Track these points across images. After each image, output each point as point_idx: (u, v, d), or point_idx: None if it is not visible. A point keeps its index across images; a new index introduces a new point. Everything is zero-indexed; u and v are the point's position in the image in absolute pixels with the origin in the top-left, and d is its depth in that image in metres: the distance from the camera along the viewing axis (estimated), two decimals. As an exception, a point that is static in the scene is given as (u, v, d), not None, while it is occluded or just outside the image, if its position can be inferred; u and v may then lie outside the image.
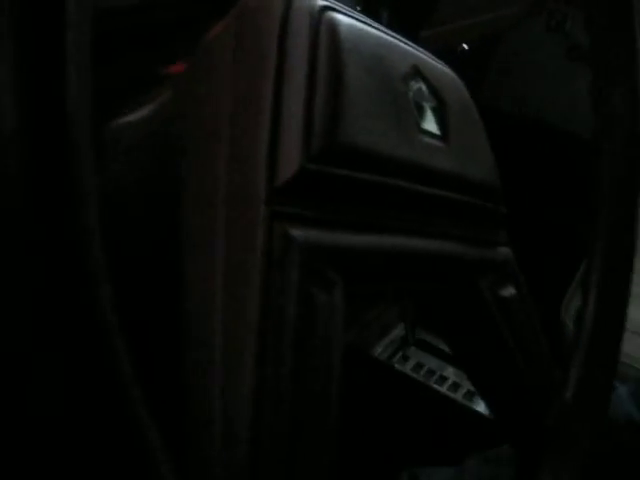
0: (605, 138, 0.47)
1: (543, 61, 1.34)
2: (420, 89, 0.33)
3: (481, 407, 0.83)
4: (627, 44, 0.44)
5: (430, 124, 0.33)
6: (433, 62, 0.36)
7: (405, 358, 0.87)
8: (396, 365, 0.85)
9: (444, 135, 0.34)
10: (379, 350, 0.90)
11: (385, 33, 0.34)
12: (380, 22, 0.80)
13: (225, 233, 0.27)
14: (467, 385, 0.86)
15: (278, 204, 0.27)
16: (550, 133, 1.33)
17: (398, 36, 0.35)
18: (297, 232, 0.27)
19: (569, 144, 1.29)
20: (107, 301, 0.18)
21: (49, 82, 0.18)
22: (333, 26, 0.30)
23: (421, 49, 0.37)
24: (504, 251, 0.40)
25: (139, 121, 0.35)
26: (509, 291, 0.39)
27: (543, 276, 1.05)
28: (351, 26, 0.31)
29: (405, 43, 0.35)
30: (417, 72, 0.33)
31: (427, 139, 0.32)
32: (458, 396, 0.84)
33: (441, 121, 0.34)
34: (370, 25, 0.33)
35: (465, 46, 1.14)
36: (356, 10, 0.80)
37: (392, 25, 0.86)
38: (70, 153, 0.18)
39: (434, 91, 0.34)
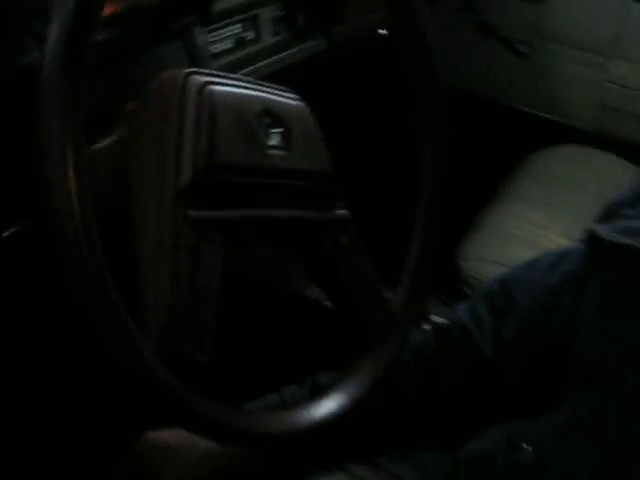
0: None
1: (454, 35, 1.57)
2: (269, 121, 0.57)
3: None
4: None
5: (276, 142, 0.57)
6: (285, 101, 0.60)
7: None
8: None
9: (287, 147, 0.58)
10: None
11: (251, 89, 0.57)
12: (298, 24, 1.03)
13: (154, 214, 0.51)
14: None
15: (180, 198, 0.51)
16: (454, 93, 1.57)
17: (261, 86, 0.59)
18: (192, 212, 0.51)
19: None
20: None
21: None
22: (211, 92, 0.54)
23: (281, 93, 0.61)
24: (341, 214, 0.64)
25: (109, 146, 0.58)
26: (344, 239, 0.63)
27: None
28: (224, 91, 0.55)
29: (265, 92, 0.59)
30: (267, 111, 0.57)
31: (273, 151, 0.56)
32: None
33: (285, 138, 0.58)
34: (239, 85, 0.57)
35: (383, 31, 1.36)
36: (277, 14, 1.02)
37: (309, 26, 1.08)
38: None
39: (280, 120, 0.58)
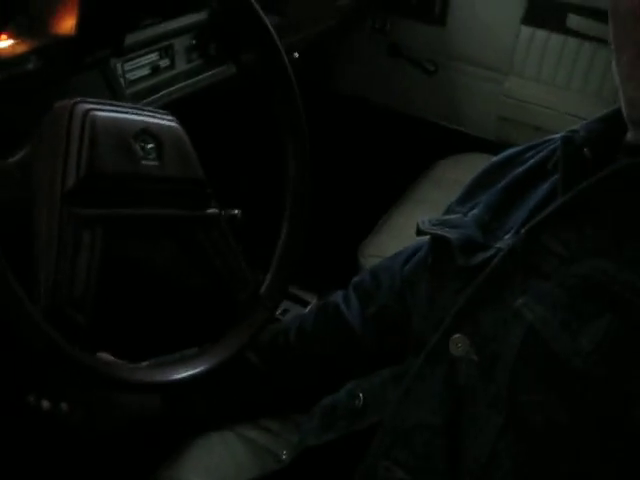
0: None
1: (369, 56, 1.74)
2: (144, 138, 0.73)
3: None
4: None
5: (150, 155, 0.73)
6: (160, 122, 0.76)
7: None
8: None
9: (159, 158, 0.74)
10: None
11: (127, 112, 0.73)
12: (209, 52, 1.20)
13: (47, 211, 0.67)
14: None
15: (66, 199, 0.67)
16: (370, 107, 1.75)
17: (142, 111, 0.75)
18: (75, 209, 0.67)
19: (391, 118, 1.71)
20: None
21: None
22: (93, 117, 0.70)
23: (156, 114, 0.77)
24: (212, 212, 0.80)
25: (21, 158, 0.74)
26: (215, 233, 0.80)
27: (347, 226, 1.47)
28: (105, 115, 0.71)
29: (143, 115, 0.75)
30: (143, 130, 0.73)
31: (147, 162, 0.73)
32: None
33: (157, 152, 0.74)
34: (121, 110, 0.73)
35: (296, 54, 1.53)
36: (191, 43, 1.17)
37: (219, 53, 1.24)
38: None
39: (154, 137, 0.74)
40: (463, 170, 1.56)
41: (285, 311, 1.26)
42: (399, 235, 1.40)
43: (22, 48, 0.91)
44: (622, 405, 0.54)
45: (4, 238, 0.63)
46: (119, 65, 1.09)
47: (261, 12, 0.88)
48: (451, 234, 0.74)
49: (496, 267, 0.65)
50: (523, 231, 0.65)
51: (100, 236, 0.68)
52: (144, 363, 0.78)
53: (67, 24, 0.96)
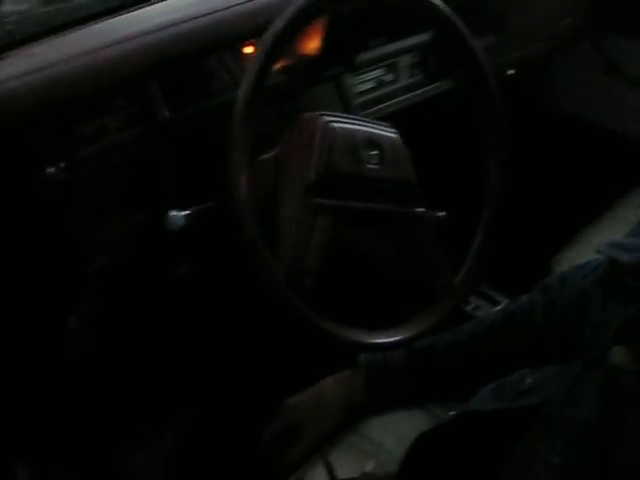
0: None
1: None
2: (369, 146, 0.92)
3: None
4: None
5: (373, 160, 0.92)
6: (383, 133, 0.95)
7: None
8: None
9: (380, 163, 0.92)
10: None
11: (358, 124, 0.93)
12: (430, 68, 1.39)
13: (290, 200, 0.88)
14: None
15: (307, 191, 0.87)
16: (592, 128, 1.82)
17: (369, 123, 0.95)
18: (314, 200, 0.87)
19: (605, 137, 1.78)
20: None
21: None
22: (332, 127, 0.90)
23: (381, 126, 0.95)
24: (420, 211, 0.97)
25: (271, 157, 0.95)
26: (420, 228, 0.97)
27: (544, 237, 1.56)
28: (341, 127, 0.91)
29: (370, 127, 0.94)
30: (369, 140, 0.92)
31: (370, 166, 0.92)
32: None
33: (380, 158, 0.93)
34: (353, 123, 0.92)
35: (511, 71, 1.65)
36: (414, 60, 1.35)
37: (438, 70, 1.40)
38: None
39: (378, 146, 0.93)
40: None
41: (476, 308, 1.41)
42: (592, 247, 1.48)
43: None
44: None
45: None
46: (349, 79, 1.29)
47: (470, 37, 1.02)
48: (623, 257, 0.83)
49: None
50: None
51: (330, 222, 0.88)
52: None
53: (313, 45, 1.18)
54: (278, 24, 0.85)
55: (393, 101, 1.36)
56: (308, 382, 1.09)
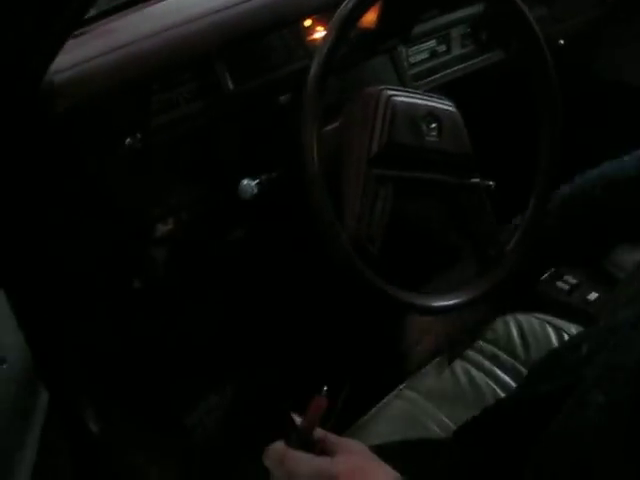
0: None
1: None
2: (429, 119, 0.97)
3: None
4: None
5: (433, 132, 0.97)
6: (442, 106, 1.00)
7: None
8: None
9: (439, 135, 0.98)
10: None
11: (418, 98, 0.98)
12: (482, 39, 1.42)
13: (354, 170, 0.94)
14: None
15: (370, 161, 0.93)
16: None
17: (428, 96, 1.00)
18: (376, 170, 0.93)
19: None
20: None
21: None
22: (394, 101, 0.96)
23: (439, 100, 1.01)
24: (475, 181, 1.03)
25: (334, 129, 1.01)
26: (475, 198, 1.02)
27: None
28: (402, 100, 0.96)
29: (429, 100, 0.99)
30: (429, 113, 0.97)
31: (430, 138, 0.97)
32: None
33: (439, 131, 0.98)
34: (414, 96, 0.98)
35: (561, 41, 1.68)
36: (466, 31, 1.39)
37: (491, 40, 1.44)
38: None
39: (437, 119, 0.98)
40: None
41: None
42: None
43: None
44: None
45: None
46: (404, 50, 1.33)
47: (525, 8, 1.06)
48: None
49: None
50: None
51: (391, 191, 0.94)
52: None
53: (370, 19, 1.22)
54: (348, 5, 0.90)
55: (446, 72, 1.40)
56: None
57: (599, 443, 0.70)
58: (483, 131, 1.17)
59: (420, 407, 1.09)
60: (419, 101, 0.99)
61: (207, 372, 1.48)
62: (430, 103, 1.00)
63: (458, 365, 1.17)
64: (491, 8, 1.40)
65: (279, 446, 0.70)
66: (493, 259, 1.03)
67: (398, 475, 0.68)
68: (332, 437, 0.71)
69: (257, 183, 1.00)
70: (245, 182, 0.99)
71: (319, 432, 0.70)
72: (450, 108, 1.02)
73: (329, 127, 1.03)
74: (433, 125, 0.98)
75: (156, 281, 1.38)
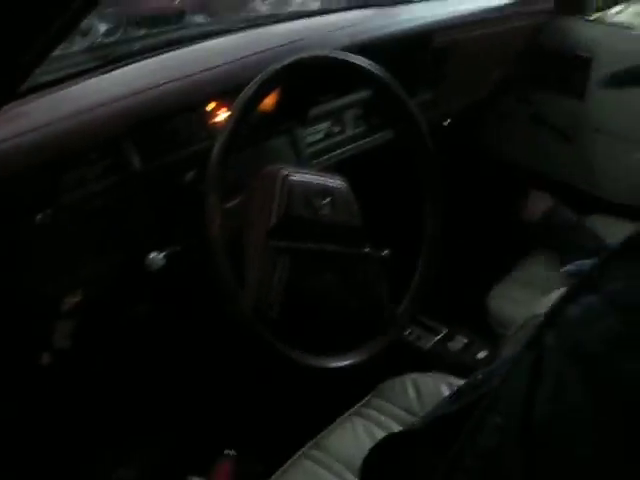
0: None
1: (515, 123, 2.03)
2: (322, 195, 1.08)
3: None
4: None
5: (326, 207, 1.08)
6: (334, 184, 1.11)
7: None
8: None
9: (332, 210, 1.08)
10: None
11: (312, 177, 1.09)
12: (372, 121, 1.56)
13: (254, 241, 1.03)
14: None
15: (269, 234, 1.02)
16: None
17: (321, 175, 1.10)
18: (274, 242, 1.02)
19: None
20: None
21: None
22: (290, 180, 1.06)
23: (331, 178, 1.11)
24: (367, 251, 1.13)
25: (236, 205, 1.10)
26: (367, 267, 1.12)
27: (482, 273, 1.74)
28: (297, 179, 1.07)
29: (322, 178, 1.10)
30: (322, 190, 1.08)
31: (323, 212, 1.07)
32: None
33: (331, 206, 1.08)
34: (308, 175, 1.08)
35: (446, 122, 1.85)
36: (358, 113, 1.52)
37: (381, 122, 1.58)
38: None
39: (330, 195, 1.09)
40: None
41: (418, 338, 1.57)
42: (524, 283, 1.67)
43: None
44: None
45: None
46: (301, 131, 1.44)
47: (404, 95, 1.19)
48: None
49: None
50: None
51: (288, 262, 1.03)
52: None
53: (270, 102, 1.33)
54: (250, 90, 1.00)
55: (340, 150, 1.52)
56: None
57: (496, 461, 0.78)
58: (377, 205, 1.28)
59: (326, 465, 1.16)
60: (313, 179, 1.09)
61: (115, 444, 1.50)
62: (323, 181, 1.10)
63: (360, 423, 1.25)
64: (377, 94, 1.54)
65: None
66: (386, 321, 1.13)
67: None
68: None
69: (164, 256, 1.07)
70: (153, 255, 1.06)
71: None
72: (341, 185, 1.13)
73: (232, 203, 1.11)
74: (326, 201, 1.08)
75: (64, 354, 1.40)
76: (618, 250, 0.82)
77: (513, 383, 0.88)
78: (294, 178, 1.07)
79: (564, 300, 0.87)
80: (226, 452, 0.70)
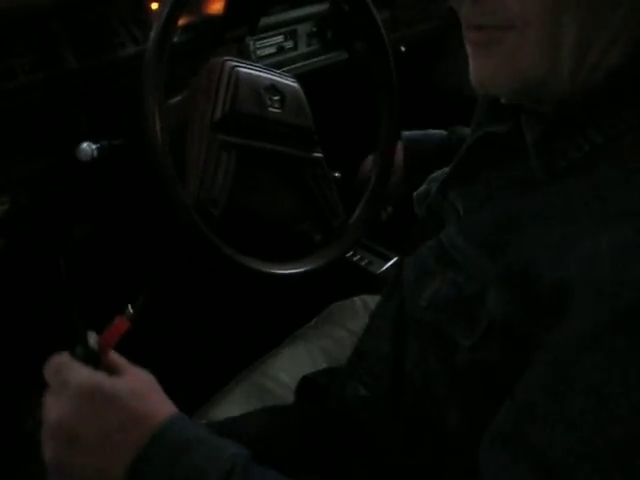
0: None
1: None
2: (272, 92, 1.01)
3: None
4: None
5: (275, 104, 1.01)
6: (285, 81, 1.04)
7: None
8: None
9: (281, 107, 1.02)
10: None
11: (261, 71, 1.02)
12: (327, 38, 1.48)
13: (198, 135, 0.96)
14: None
15: (213, 127, 0.95)
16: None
17: (272, 71, 1.04)
18: (219, 136, 0.95)
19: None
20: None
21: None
22: (237, 72, 0.99)
23: (282, 75, 1.05)
24: (317, 155, 1.07)
25: (180, 101, 1.03)
26: (319, 172, 1.07)
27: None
28: (246, 72, 1.00)
29: (273, 74, 1.03)
30: (272, 85, 1.01)
31: (272, 109, 1.01)
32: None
33: (281, 103, 1.02)
34: (257, 69, 1.01)
35: (403, 48, 1.78)
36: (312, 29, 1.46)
37: (335, 40, 1.51)
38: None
39: (279, 91, 1.02)
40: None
41: (370, 263, 1.53)
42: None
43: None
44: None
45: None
46: (251, 43, 1.37)
47: (373, 8, 1.13)
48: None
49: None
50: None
51: (234, 158, 0.97)
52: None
53: (217, 6, 1.26)
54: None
55: (292, 66, 1.45)
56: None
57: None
58: (329, 124, 1.22)
59: (265, 388, 1.11)
60: (262, 74, 1.03)
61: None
62: (273, 77, 1.04)
63: (303, 347, 1.20)
64: (339, 6, 1.47)
65: (62, 357, 0.65)
66: (337, 230, 1.07)
67: (176, 410, 0.65)
68: (122, 360, 0.68)
69: (97, 147, 0.99)
70: (85, 145, 0.99)
71: (111, 354, 0.67)
72: (293, 83, 1.06)
73: (175, 99, 1.04)
74: (276, 97, 1.02)
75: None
76: None
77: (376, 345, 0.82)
78: (242, 70, 1.00)
79: None
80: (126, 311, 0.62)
